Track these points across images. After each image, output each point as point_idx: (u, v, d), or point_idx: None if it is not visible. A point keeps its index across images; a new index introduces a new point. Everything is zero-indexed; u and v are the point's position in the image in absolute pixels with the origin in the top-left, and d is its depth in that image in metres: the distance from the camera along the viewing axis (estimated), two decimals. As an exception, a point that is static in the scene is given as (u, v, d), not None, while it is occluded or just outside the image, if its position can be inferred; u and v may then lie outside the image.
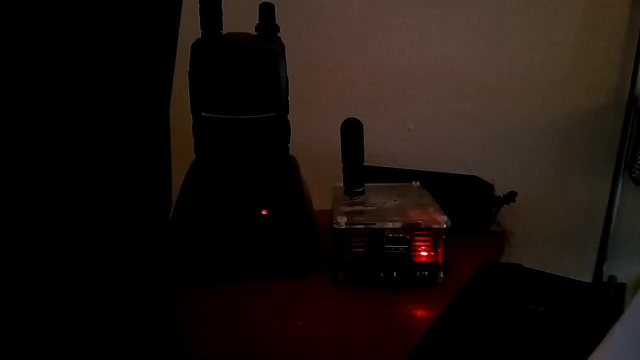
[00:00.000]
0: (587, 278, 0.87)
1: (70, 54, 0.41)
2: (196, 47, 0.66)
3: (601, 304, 0.72)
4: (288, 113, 0.69)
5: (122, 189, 0.48)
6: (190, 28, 0.64)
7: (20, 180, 0.40)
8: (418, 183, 0.83)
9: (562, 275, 0.82)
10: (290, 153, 0.72)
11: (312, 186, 0.76)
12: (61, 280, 0.43)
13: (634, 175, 0.79)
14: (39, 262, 0.42)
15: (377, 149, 0.96)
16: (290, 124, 0.69)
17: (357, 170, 0.73)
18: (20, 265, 0.41)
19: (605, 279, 0.85)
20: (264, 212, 0.68)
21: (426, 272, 0.65)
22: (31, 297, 0.42)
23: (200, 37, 0.67)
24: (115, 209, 0.47)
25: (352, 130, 0.72)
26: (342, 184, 0.75)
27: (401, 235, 0.64)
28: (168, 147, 0.60)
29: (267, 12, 0.68)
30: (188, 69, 0.66)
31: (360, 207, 0.71)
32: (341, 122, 0.73)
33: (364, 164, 0.74)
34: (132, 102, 0.48)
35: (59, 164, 0.42)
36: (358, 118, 0.73)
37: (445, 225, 0.64)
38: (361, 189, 0.74)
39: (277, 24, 0.69)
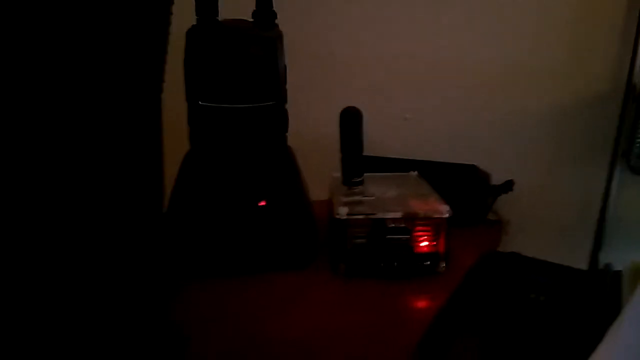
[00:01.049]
0: (583, 266, 0.88)
1: (55, 42, 0.39)
2: (191, 34, 0.64)
3: (599, 291, 0.73)
4: (286, 102, 0.68)
5: (112, 180, 0.47)
6: (185, 14, 0.62)
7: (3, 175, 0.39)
8: (416, 173, 0.83)
9: (558, 263, 0.82)
10: (284, 142, 0.70)
11: (306, 176, 0.75)
12: (53, 279, 0.42)
13: (630, 163, 0.80)
14: (27, 260, 0.41)
15: (373, 138, 0.95)
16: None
17: (356, 160, 0.72)
18: (7, 264, 0.40)
19: (601, 266, 0.86)
20: (262, 203, 0.66)
21: (428, 262, 0.65)
22: (21, 296, 0.41)
23: (195, 23, 0.65)
24: (105, 201, 0.46)
25: (351, 119, 0.71)
26: (339, 174, 0.74)
27: (403, 225, 0.63)
28: (160, 136, 0.58)
29: (264, -2, 0.67)
30: (183, 57, 0.64)
31: (360, 197, 0.71)
32: (335, 111, 0.71)
33: (361, 153, 0.73)
34: (121, 91, 0.47)
35: (44, 157, 0.41)
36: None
37: (447, 215, 0.64)
38: (360, 179, 0.73)
39: (274, 10, 0.67)
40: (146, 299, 0.51)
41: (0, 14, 0.36)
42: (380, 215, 0.64)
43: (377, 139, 1.00)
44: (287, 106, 0.68)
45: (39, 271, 0.41)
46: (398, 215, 0.64)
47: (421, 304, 0.62)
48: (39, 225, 0.41)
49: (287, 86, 0.68)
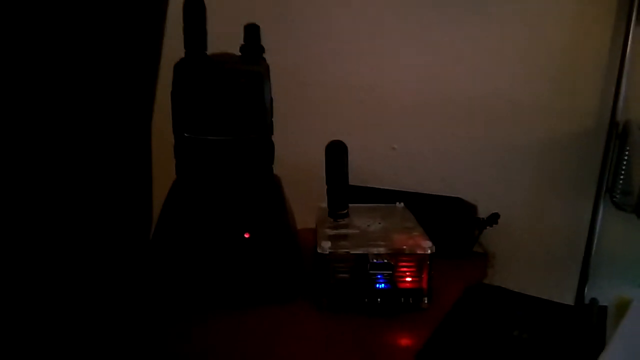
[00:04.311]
0: (569, 300, 0.88)
1: (51, 64, 0.41)
2: (179, 67, 0.64)
3: (584, 327, 0.73)
4: (272, 134, 0.68)
5: (101, 203, 0.48)
6: (174, 48, 0.63)
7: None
8: (402, 204, 0.83)
9: (544, 297, 0.82)
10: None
11: (294, 204, 0.75)
12: (40, 295, 0.43)
13: (615, 199, 0.80)
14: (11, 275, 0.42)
15: (361, 168, 0.96)
16: (274, 143, 0.68)
17: (341, 193, 0.73)
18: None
19: (586, 301, 0.86)
20: (246, 236, 0.66)
21: (410, 298, 0.65)
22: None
23: (183, 57, 0.65)
24: (94, 224, 0.47)
25: (336, 153, 0.72)
26: (326, 205, 0.74)
27: (385, 261, 0.63)
28: (149, 163, 0.59)
29: (252, 33, 0.68)
30: (171, 89, 0.65)
31: (345, 231, 0.71)
32: (324, 141, 0.72)
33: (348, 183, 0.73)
34: (112, 118, 0.48)
35: (39, 178, 0.42)
36: (342, 136, 0.73)
37: (429, 251, 0.64)
38: (345, 211, 0.73)
39: (262, 45, 0.68)
40: (122, 319, 0.51)
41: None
42: (363, 251, 0.64)
43: (365, 169, 1.00)
44: (279, 134, 0.68)
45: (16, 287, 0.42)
46: (381, 250, 0.64)
47: (403, 341, 0.61)
48: (25, 241, 0.41)
49: (279, 115, 0.68)
